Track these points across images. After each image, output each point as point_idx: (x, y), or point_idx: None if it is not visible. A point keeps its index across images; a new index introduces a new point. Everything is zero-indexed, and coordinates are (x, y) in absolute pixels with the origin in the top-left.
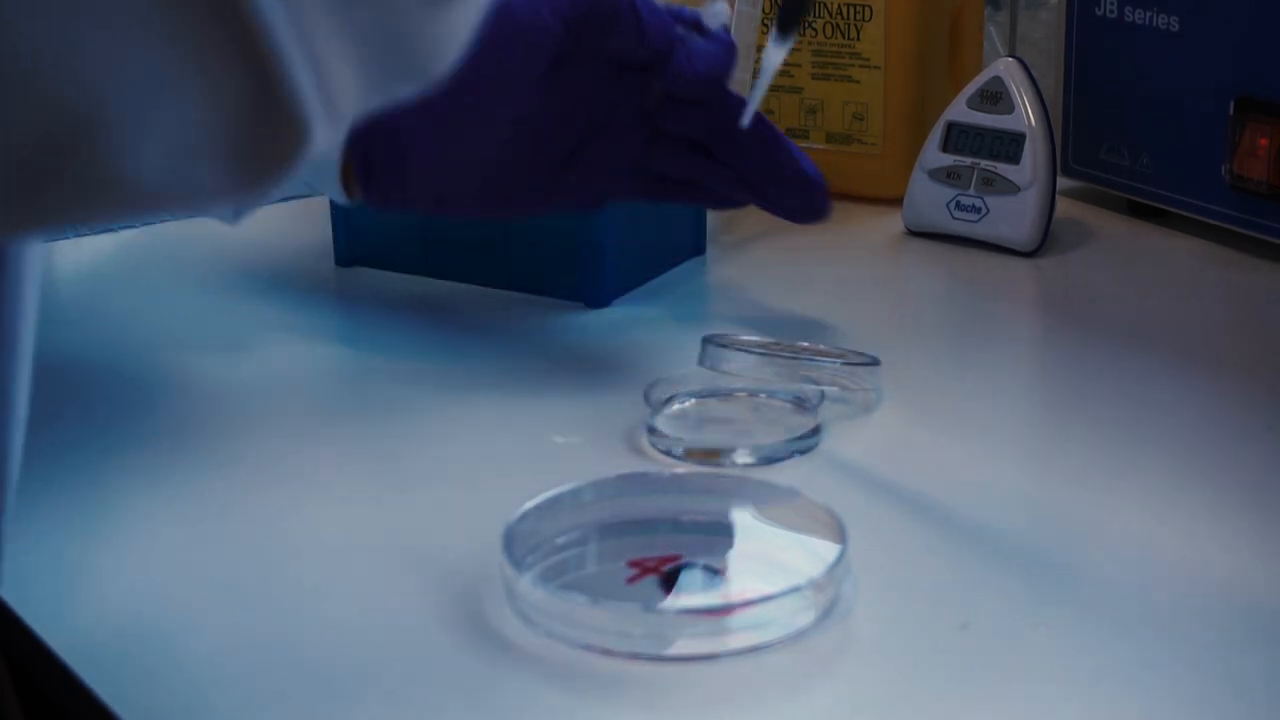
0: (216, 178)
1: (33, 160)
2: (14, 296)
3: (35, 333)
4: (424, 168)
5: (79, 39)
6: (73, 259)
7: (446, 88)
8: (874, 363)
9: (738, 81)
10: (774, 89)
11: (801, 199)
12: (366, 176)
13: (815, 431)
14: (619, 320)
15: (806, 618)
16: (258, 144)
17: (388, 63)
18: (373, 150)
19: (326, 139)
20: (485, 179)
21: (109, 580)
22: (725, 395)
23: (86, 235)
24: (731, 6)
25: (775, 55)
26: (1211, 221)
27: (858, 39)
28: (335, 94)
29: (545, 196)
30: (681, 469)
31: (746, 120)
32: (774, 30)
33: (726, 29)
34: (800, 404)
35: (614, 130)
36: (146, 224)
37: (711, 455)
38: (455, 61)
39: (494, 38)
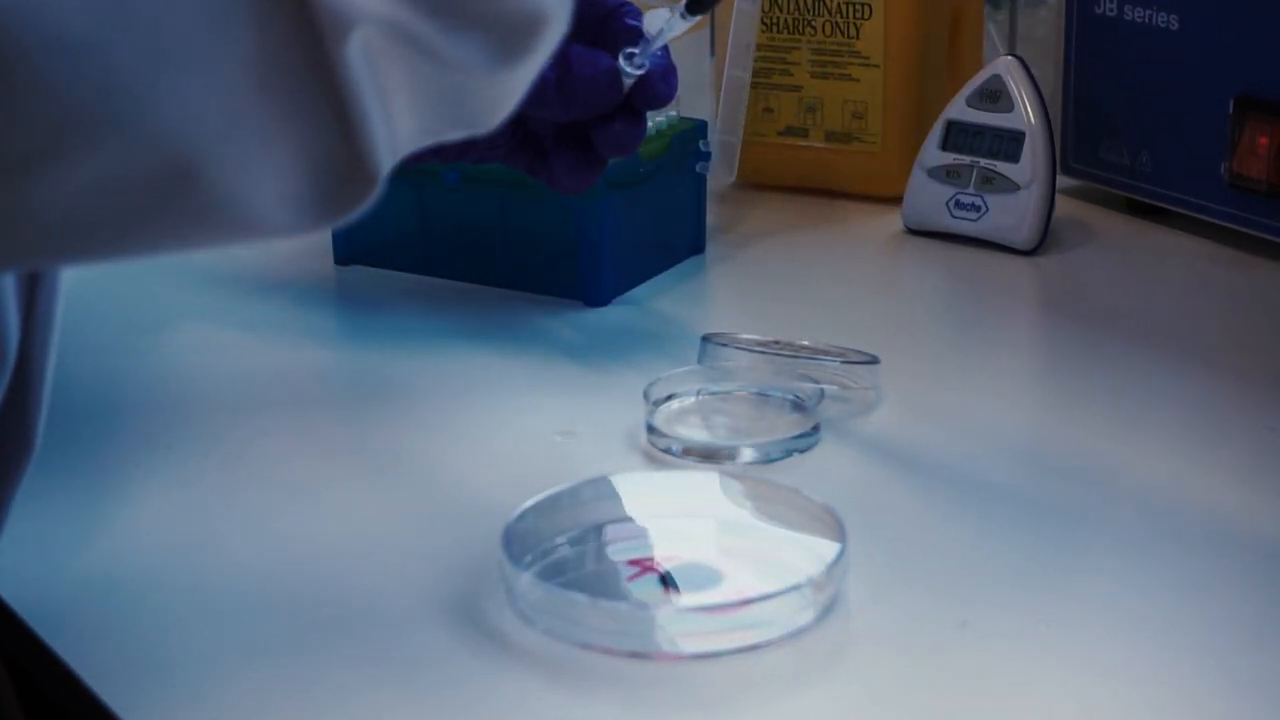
0: (303, 215)
1: (146, 191)
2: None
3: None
4: None
5: (186, 92)
6: None
7: None
8: (874, 361)
9: (737, 79)
10: (773, 87)
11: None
12: None
13: (815, 430)
14: (619, 319)
15: (806, 616)
16: (339, 188)
17: (446, 116)
18: None
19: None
20: None
21: (108, 579)
22: (725, 394)
23: None
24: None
25: (676, 27)
26: (1211, 220)
27: (857, 37)
28: (398, 141)
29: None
30: (681, 468)
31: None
32: (682, 7)
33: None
34: (800, 403)
35: None
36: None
37: (711, 454)
38: (508, 116)
39: None
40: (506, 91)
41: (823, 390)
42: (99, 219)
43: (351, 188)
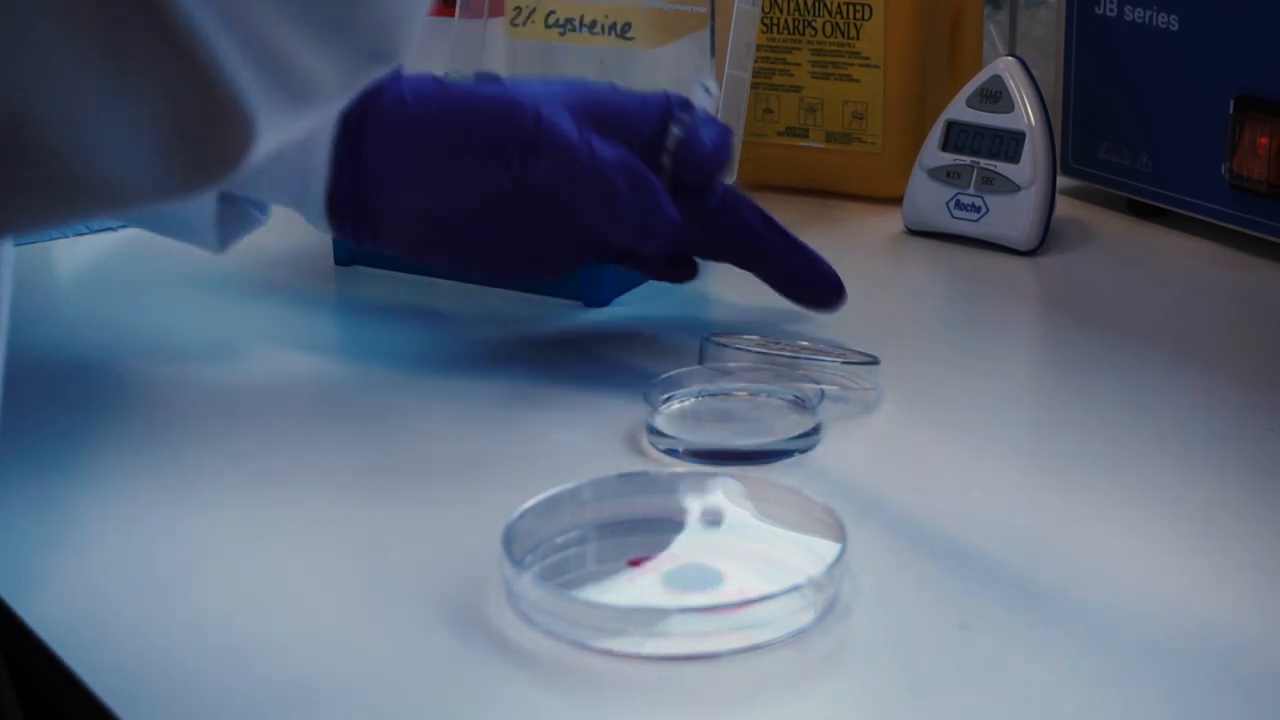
0: (169, 172)
1: None
2: None
3: (12, 324)
4: (397, 219)
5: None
6: (70, 258)
7: (431, 149)
8: (874, 362)
9: (737, 79)
10: (773, 87)
11: (821, 298)
12: (341, 212)
13: (815, 431)
14: (619, 320)
15: (806, 617)
16: (204, 138)
17: (352, 46)
18: (353, 189)
19: (299, 129)
20: (457, 240)
21: (107, 580)
22: (725, 395)
23: (85, 234)
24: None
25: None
26: (1211, 220)
27: (857, 38)
28: (305, 83)
29: (514, 265)
30: (681, 469)
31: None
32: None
33: (712, 113)
34: (800, 403)
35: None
36: (113, 224)
37: (711, 454)
38: (415, 39)
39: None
40: (403, 10)
41: (823, 390)
42: None
43: (219, 133)
